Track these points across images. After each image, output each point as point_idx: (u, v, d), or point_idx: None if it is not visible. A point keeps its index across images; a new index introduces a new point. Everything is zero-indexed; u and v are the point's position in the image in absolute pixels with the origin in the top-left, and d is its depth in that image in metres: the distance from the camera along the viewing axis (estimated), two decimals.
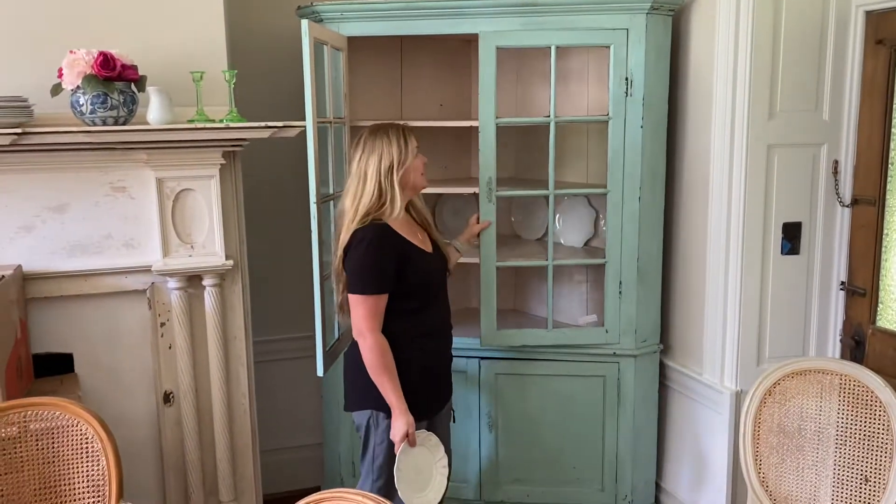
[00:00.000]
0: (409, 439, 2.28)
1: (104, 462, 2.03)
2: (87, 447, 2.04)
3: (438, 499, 2.39)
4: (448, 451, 2.51)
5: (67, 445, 2.04)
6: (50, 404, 2.06)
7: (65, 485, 2.04)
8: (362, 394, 2.35)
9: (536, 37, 2.78)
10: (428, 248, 2.43)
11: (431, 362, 2.43)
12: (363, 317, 2.25)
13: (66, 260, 2.58)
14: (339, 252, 2.34)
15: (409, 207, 2.45)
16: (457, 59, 3.39)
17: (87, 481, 2.04)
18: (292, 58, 2.78)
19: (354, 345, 2.35)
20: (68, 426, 2.05)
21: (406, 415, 2.27)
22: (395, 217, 2.32)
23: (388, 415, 2.31)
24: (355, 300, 2.27)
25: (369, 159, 2.31)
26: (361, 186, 2.31)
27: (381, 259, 2.26)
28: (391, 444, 2.31)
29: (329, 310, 2.76)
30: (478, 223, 2.84)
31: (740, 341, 2.73)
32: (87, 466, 2.04)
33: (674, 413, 3.10)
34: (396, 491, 2.27)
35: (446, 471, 2.41)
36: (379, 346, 2.26)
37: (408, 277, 2.30)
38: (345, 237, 2.31)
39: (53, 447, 2.05)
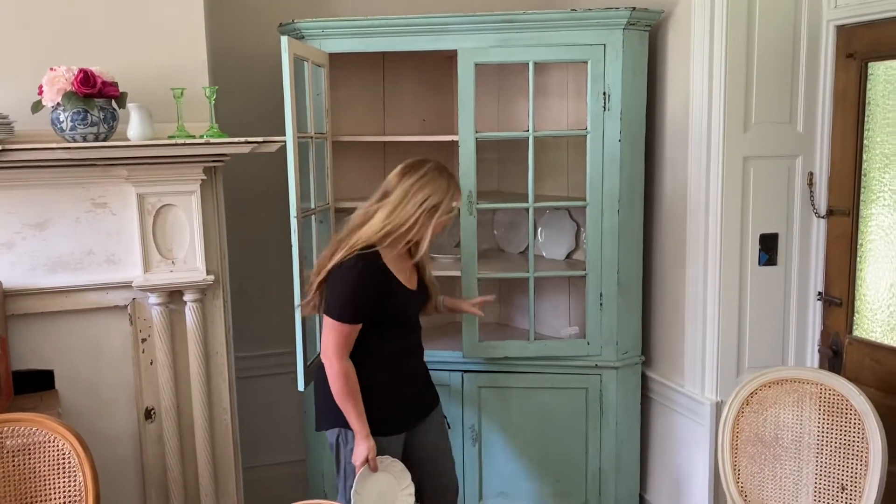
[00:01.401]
0: (370, 464, 2.28)
1: (81, 477, 2.02)
2: (64, 463, 2.04)
3: None
4: (444, 459, 2.56)
5: (44, 461, 2.04)
6: (27, 420, 2.05)
7: (41, 501, 2.03)
8: (331, 413, 2.35)
9: (514, 53, 2.82)
10: (412, 284, 2.42)
11: (406, 378, 2.44)
12: (333, 342, 2.25)
13: (47, 276, 2.59)
14: (334, 260, 2.26)
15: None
16: (439, 75, 3.42)
17: (64, 497, 2.03)
18: (274, 74, 2.80)
19: (322, 366, 2.34)
20: (45, 442, 2.04)
21: (367, 440, 2.26)
22: (395, 249, 2.31)
23: (343, 436, 2.33)
24: (329, 324, 2.26)
25: (423, 189, 2.26)
26: (401, 208, 2.26)
27: (364, 293, 2.25)
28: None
29: (310, 324, 2.77)
30: (472, 306, 2.73)
31: (720, 352, 2.75)
32: (65, 482, 2.03)
33: (656, 425, 3.11)
34: None
35: (412, 499, 2.38)
36: (344, 372, 2.25)
37: (386, 310, 2.30)
38: (344, 253, 2.25)
39: (30, 463, 2.04)
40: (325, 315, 2.28)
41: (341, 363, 2.25)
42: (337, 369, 2.25)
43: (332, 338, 2.25)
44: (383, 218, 2.26)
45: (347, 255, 2.24)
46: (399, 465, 2.37)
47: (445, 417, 2.65)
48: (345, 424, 2.32)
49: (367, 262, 2.25)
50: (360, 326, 2.28)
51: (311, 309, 2.40)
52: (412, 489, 2.38)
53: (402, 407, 2.42)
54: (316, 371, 2.49)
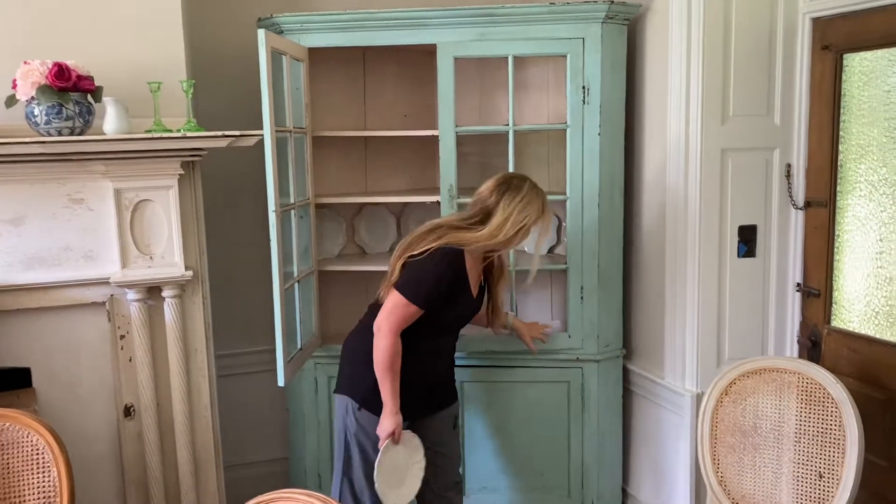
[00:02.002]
0: (395, 438, 2.36)
1: (55, 473, 2.00)
2: (38, 458, 2.02)
3: (411, 497, 2.47)
4: (449, 454, 2.61)
5: (18, 457, 2.02)
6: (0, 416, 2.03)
7: (15, 496, 2.01)
8: (352, 380, 2.47)
9: (493, 47, 2.82)
10: (475, 292, 2.49)
11: (429, 376, 2.51)
12: (396, 318, 2.33)
13: (24, 273, 2.56)
14: (422, 247, 2.34)
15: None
16: (420, 70, 3.41)
17: (39, 493, 2.01)
18: (253, 69, 2.78)
19: (356, 334, 2.47)
20: (19, 438, 2.02)
21: (396, 415, 2.35)
22: (474, 254, 2.41)
23: (361, 406, 2.42)
24: (398, 300, 2.33)
25: (524, 210, 2.36)
26: (503, 226, 2.34)
27: (440, 283, 2.34)
28: (365, 433, 2.41)
29: (290, 320, 2.76)
30: (542, 332, 2.89)
31: (700, 344, 2.76)
32: (39, 478, 2.01)
33: (638, 417, 3.11)
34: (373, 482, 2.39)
35: (422, 473, 2.49)
36: (393, 347, 2.33)
37: (447, 307, 2.40)
38: (438, 243, 2.33)
39: (4, 459, 2.02)
40: (396, 290, 2.34)
41: (393, 338, 2.33)
42: (388, 342, 2.32)
43: (396, 314, 2.33)
44: (487, 235, 2.35)
45: (438, 247, 2.33)
46: (416, 440, 2.48)
47: (457, 417, 2.67)
48: (356, 396, 2.43)
49: (455, 258, 2.36)
50: (422, 312, 2.35)
51: (388, 290, 2.43)
52: (423, 463, 2.49)
53: (417, 399, 2.47)
54: (351, 337, 2.54)
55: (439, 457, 2.59)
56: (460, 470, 2.72)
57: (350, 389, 2.46)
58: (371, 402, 2.40)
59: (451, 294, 2.38)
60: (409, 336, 2.37)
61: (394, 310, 2.33)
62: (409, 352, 2.38)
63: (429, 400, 2.54)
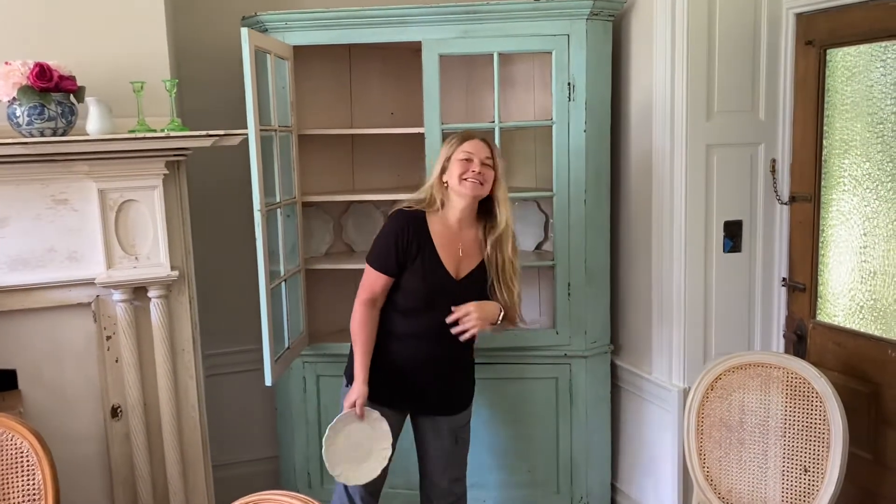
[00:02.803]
0: (356, 409, 2.34)
1: (40, 475, 1.99)
2: (22, 461, 2.01)
3: (364, 480, 2.37)
4: (445, 466, 2.51)
5: (2, 460, 2.01)
6: None
7: (0, 498, 2.00)
8: (348, 361, 2.48)
9: (478, 44, 2.82)
10: (456, 269, 2.37)
11: (407, 362, 2.41)
12: (363, 287, 2.39)
13: (8, 274, 2.55)
14: None
15: (485, 232, 2.40)
16: (406, 68, 3.40)
17: (23, 495, 2.00)
18: (238, 68, 2.77)
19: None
20: (2, 440, 2.01)
21: (362, 386, 2.35)
22: (443, 217, 2.38)
23: (347, 383, 2.43)
24: (366, 267, 2.39)
25: (449, 141, 2.40)
26: (434, 169, 2.41)
27: (391, 242, 2.34)
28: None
29: (277, 319, 2.75)
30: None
31: (686, 339, 2.77)
32: (23, 480, 2.00)
33: (626, 413, 3.12)
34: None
35: (385, 462, 2.38)
36: (361, 317, 2.36)
37: (408, 273, 2.35)
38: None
39: None
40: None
41: (363, 308, 2.37)
42: (356, 312, 2.38)
43: (363, 282, 2.39)
44: (426, 184, 2.43)
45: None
46: (385, 427, 2.37)
47: (458, 434, 2.51)
48: (346, 374, 2.45)
49: (402, 216, 2.37)
50: (386, 279, 2.36)
51: None
52: (388, 452, 2.38)
53: (387, 382, 2.40)
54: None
55: (436, 468, 2.53)
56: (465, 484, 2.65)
57: (347, 370, 2.49)
58: (350, 378, 2.43)
59: (408, 255, 2.33)
60: (388, 313, 2.40)
61: (363, 279, 2.39)
62: (386, 332, 2.40)
63: (421, 392, 2.43)
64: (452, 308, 2.33)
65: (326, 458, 2.34)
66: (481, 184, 2.32)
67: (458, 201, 2.36)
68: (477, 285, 2.40)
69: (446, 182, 2.36)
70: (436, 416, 2.49)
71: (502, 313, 2.40)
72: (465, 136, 2.39)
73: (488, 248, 2.38)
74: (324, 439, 2.34)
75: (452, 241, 2.39)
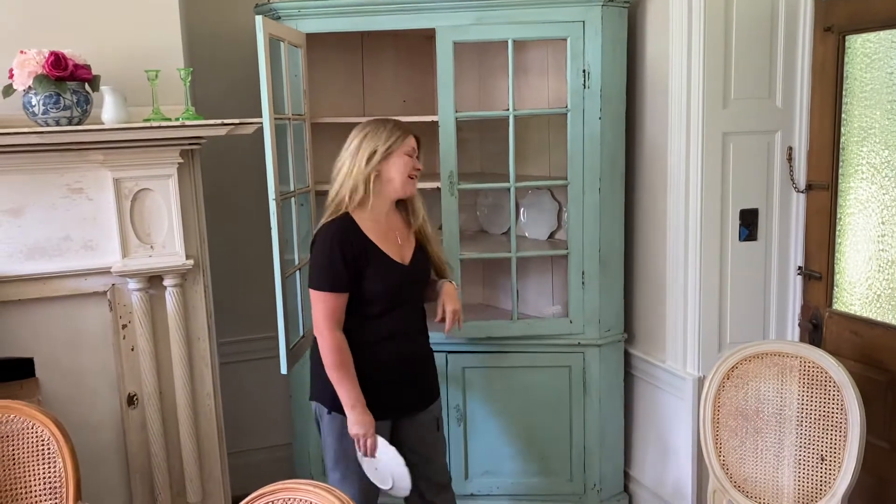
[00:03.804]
0: (365, 442, 2.23)
1: (61, 464, 2.01)
2: (43, 449, 2.02)
3: (406, 480, 2.30)
4: (434, 458, 2.48)
5: (23, 448, 2.02)
6: (4, 407, 2.04)
7: (21, 487, 2.02)
8: (317, 384, 2.36)
9: (493, 31, 2.80)
10: (401, 257, 2.32)
11: (391, 366, 2.32)
12: (321, 313, 2.22)
13: (25, 263, 2.56)
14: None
15: (405, 212, 2.38)
16: (419, 55, 3.39)
17: (45, 484, 2.02)
18: (251, 56, 2.77)
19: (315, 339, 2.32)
20: (24, 429, 2.03)
21: (364, 416, 2.22)
22: (372, 212, 2.26)
23: (330, 410, 2.30)
24: (313, 296, 2.24)
25: (361, 144, 2.24)
26: (347, 173, 2.24)
27: (335, 258, 2.20)
28: (337, 438, 2.30)
29: (292, 307, 2.76)
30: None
31: (701, 328, 2.77)
32: (44, 469, 2.02)
33: (639, 401, 3.12)
34: (358, 481, 2.32)
35: (404, 464, 2.31)
36: (335, 344, 2.21)
37: (367, 281, 2.24)
38: (316, 229, 2.30)
39: (9, 450, 2.03)
40: (310, 290, 2.26)
41: (331, 335, 2.21)
42: (327, 342, 2.21)
43: (318, 309, 2.22)
44: (335, 190, 2.27)
45: (316, 232, 2.28)
46: (384, 441, 2.29)
47: (439, 419, 2.49)
48: (324, 400, 2.31)
49: (339, 228, 2.23)
50: (343, 296, 2.22)
51: None
52: (401, 458, 2.30)
53: (385, 394, 2.30)
54: (312, 341, 2.42)
55: (424, 462, 2.43)
56: (449, 469, 2.61)
57: (321, 395, 2.33)
58: (340, 405, 2.26)
59: (358, 264, 2.22)
60: (353, 324, 2.25)
61: (315, 306, 2.22)
62: (359, 343, 2.25)
63: (400, 394, 2.35)
64: (438, 309, 2.40)
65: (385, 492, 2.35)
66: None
67: (392, 194, 2.28)
68: (424, 263, 2.41)
69: (378, 172, 2.24)
70: (416, 413, 2.42)
71: (454, 283, 2.47)
72: (406, 127, 2.29)
73: (412, 223, 2.38)
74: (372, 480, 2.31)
75: (388, 233, 2.31)
